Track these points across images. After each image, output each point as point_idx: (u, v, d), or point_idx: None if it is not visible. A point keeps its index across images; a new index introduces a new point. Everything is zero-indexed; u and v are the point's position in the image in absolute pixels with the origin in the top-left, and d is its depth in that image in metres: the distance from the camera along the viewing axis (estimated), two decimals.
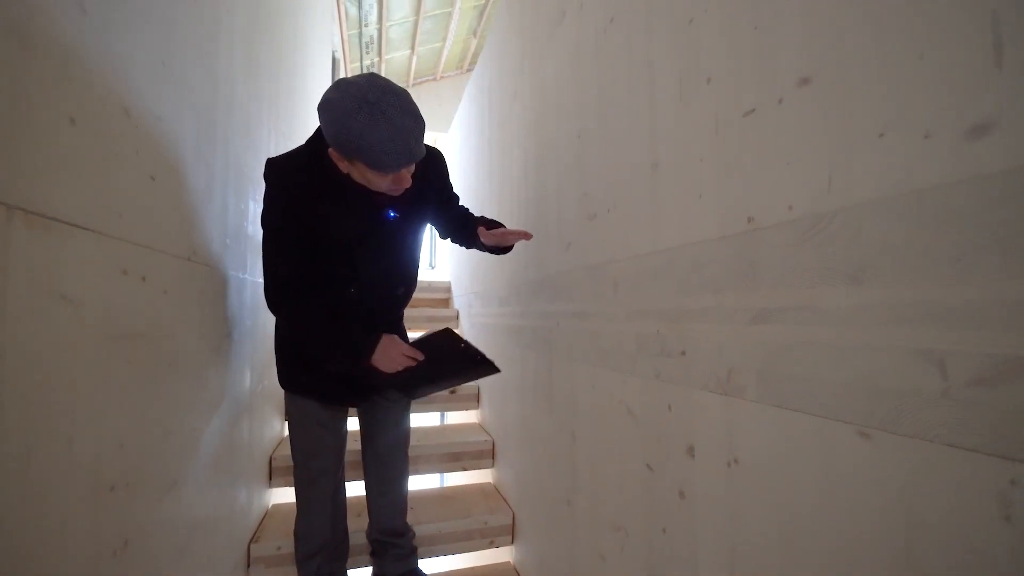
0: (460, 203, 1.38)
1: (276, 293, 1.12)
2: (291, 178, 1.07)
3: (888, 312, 0.48)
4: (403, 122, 0.90)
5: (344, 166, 1.02)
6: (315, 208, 1.07)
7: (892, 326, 0.47)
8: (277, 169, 1.08)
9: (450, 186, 1.32)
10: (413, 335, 1.46)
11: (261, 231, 1.12)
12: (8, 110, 0.49)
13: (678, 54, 0.83)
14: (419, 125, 0.94)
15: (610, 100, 1.06)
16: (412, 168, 1.02)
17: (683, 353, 0.80)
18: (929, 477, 0.44)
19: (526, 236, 1.24)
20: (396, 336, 1.15)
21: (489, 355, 1.17)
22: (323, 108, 0.93)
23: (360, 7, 5.14)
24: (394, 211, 1.15)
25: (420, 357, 1.14)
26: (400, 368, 1.12)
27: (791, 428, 0.59)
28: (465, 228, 1.33)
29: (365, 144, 0.90)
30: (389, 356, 1.11)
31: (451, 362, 1.19)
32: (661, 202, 0.87)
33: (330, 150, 1.00)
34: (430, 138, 6.65)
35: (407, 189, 1.06)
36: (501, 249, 1.30)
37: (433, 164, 1.23)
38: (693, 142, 0.79)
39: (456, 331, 1.17)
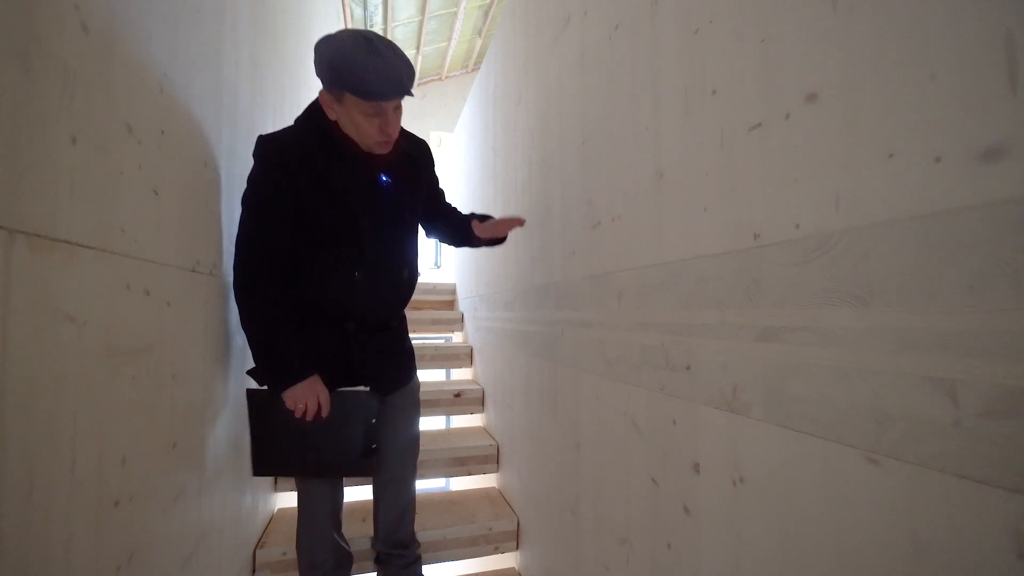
0: (449, 203, 1.44)
1: (246, 272, 1.08)
2: (287, 150, 1.08)
3: (897, 337, 0.47)
4: (395, 58, 0.99)
5: (333, 112, 1.05)
6: (316, 182, 1.08)
7: (901, 351, 0.46)
8: (272, 142, 1.09)
9: (438, 179, 1.38)
10: (416, 338, 1.47)
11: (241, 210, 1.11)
12: (10, 135, 0.49)
13: (683, 64, 0.81)
14: (409, 68, 1.01)
15: (614, 107, 1.05)
16: (399, 116, 1.08)
17: (688, 367, 0.79)
18: (939, 508, 0.43)
19: (519, 223, 1.30)
20: (319, 380, 1.12)
21: (492, 363, 1.18)
22: (320, 42, 1.00)
23: (365, 8, 5.14)
24: (387, 176, 1.17)
25: (324, 412, 1.10)
26: (302, 408, 1.08)
27: (797, 449, 0.58)
28: (455, 224, 1.39)
29: (358, 68, 0.96)
30: (303, 392, 1.08)
31: (344, 437, 1.16)
32: (666, 213, 0.86)
33: (320, 94, 1.05)
34: (435, 138, 6.66)
35: (398, 162, 1.13)
36: (495, 241, 1.36)
37: (421, 149, 1.30)
38: (698, 154, 0.78)
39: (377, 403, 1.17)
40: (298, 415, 1.10)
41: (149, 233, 0.78)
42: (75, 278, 0.59)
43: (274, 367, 1.10)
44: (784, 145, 0.61)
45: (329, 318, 1.19)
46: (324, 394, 1.11)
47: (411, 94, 1.03)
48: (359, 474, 1.22)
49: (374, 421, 1.18)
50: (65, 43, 0.57)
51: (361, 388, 1.18)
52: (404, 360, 1.37)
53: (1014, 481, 0.38)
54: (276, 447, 1.15)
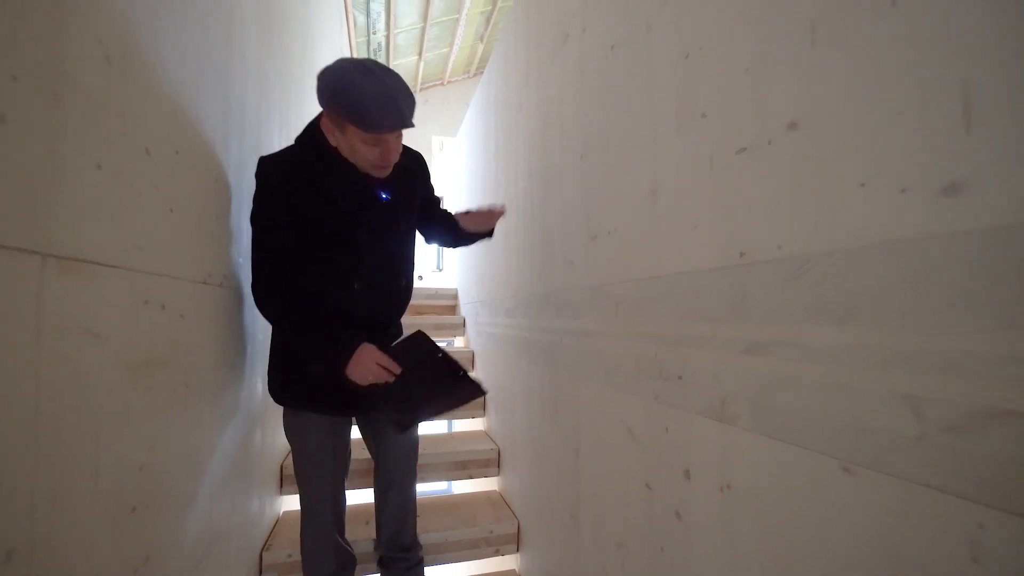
0: (445, 208, 1.51)
1: (263, 287, 1.12)
2: (285, 168, 1.12)
3: (870, 355, 0.50)
4: (396, 87, 1.01)
5: (334, 138, 1.09)
6: (313, 193, 1.12)
7: (874, 368, 0.50)
8: (272, 163, 1.13)
9: (433, 188, 1.43)
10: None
11: (251, 229, 1.14)
12: (43, 165, 0.52)
13: (675, 86, 0.85)
14: (410, 97, 1.04)
15: (612, 124, 1.09)
16: (400, 142, 1.11)
17: (680, 378, 0.82)
18: (906, 515, 0.47)
19: (500, 212, 1.40)
20: (372, 345, 1.11)
21: (494, 368, 1.19)
22: (323, 72, 1.04)
23: (368, 15, 5.20)
24: (385, 192, 1.21)
25: (396, 369, 1.10)
26: (374, 379, 1.08)
27: (781, 458, 0.62)
28: (449, 226, 1.45)
29: (359, 98, 0.99)
30: (363, 365, 1.08)
31: (431, 377, 1.15)
32: (660, 229, 0.90)
33: (322, 120, 1.09)
34: (437, 142, 6.68)
35: (395, 177, 1.16)
36: (485, 234, 1.45)
37: (418, 162, 1.34)
38: (690, 173, 0.81)
39: (430, 338, 1.14)
40: (380, 381, 1.09)
41: (165, 249, 0.82)
42: (99, 296, 0.63)
43: (325, 351, 1.10)
44: (768, 169, 0.64)
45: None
46: (380, 354, 1.10)
47: (412, 125, 1.05)
48: (472, 396, 1.19)
49: (441, 355, 1.15)
50: (91, 76, 0.61)
51: (408, 335, 1.16)
52: None
53: (970, 491, 0.41)
54: (398, 405, 1.16)
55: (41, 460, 0.52)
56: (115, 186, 0.67)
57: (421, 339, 1.14)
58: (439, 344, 1.17)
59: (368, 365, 1.09)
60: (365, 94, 0.99)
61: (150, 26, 0.75)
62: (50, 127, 0.54)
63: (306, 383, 1.21)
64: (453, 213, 1.47)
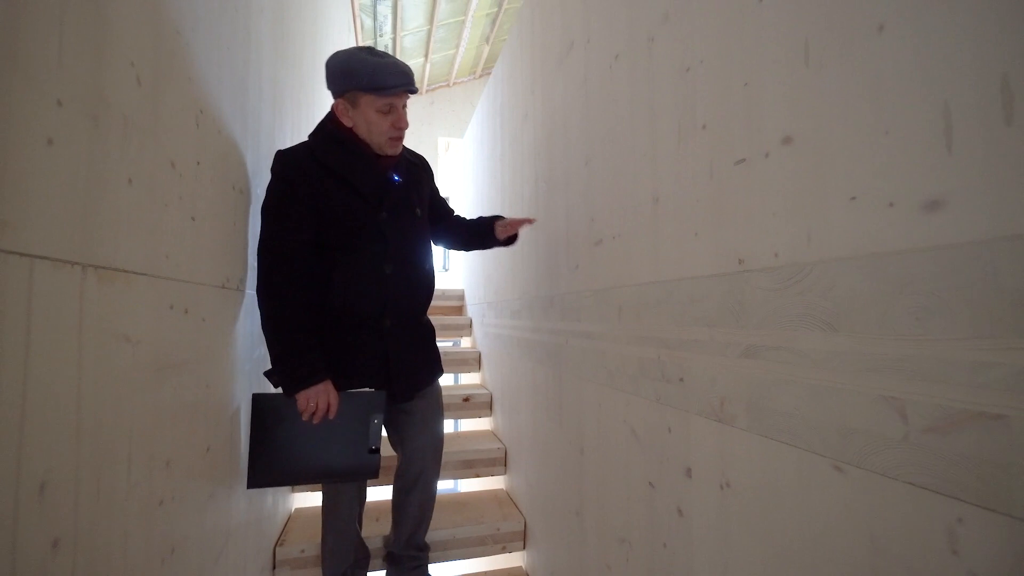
0: (453, 209, 1.60)
1: (272, 281, 1.13)
2: (303, 158, 1.19)
3: (858, 360, 0.53)
4: (397, 59, 1.18)
5: (349, 119, 1.20)
6: (334, 179, 1.19)
7: (862, 373, 0.52)
8: (291, 155, 1.20)
9: (438, 188, 1.54)
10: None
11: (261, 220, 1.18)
12: (85, 182, 0.56)
13: (676, 98, 0.88)
14: (409, 68, 1.19)
15: (615, 132, 1.12)
16: (406, 114, 1.23)
17: (681, 380, 0.85)
18: (891, 510, 0.50)
19: (530, 222, 1.50)
20: (332, 387, 1.16)
21: (500, 369, 1.23)
22: (331, 58, 1.18)
23: (375, 18, 5.25)
24: (398, 175, 1.30)
25: (332, 414, 1.15)
26: (313, 407, 1.12)
27: (776, 457, 0.65)
28: (463, 228, 1.53)
29: (370, 67, 1.13)
30: (316, 394, 1.12)
31: (351, 436, 1.19)
32: (661, 235, 0.93)
33: (335, 105, 1.20)
34: (443, 143, 6.69)
35: (403, 166, 1.29)
36: (510, 240, 1.52)
37: (421, 159, 1.44)
38: (690, 182, 0.84)
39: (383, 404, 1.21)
40: (306, 416, 1.13)
41: (188, 256, 0.86)
42: (131, 302, 0.67)
43: (292, 369, 1.12)
44: (765, 181, 0.67)
45: (367, 317, 1.24)
46: (335, 396, 1.15)
47: (416, 90, 1.18)
48: (361, 476, 1.23)
49: (376, 421, 1.20)
50: (123, 97, 0.65)
51: (367, 389, 1.22)
52: (433, 357, 1.43)
53: (949, 488, 0.44)
54: (276, 455, 1.16)
55: (82, 455, 0.56)
56: (145, 199, 0.71)
57: (377, 399, 1.21)
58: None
59: (320, 395, 1.13)
60: (374, 64, 1.13)
61: (175, 46, 0.79)
62: (89, 147, 0.58)
63: (343, 372, 1.22)
64: (477, 219, 1.54)
